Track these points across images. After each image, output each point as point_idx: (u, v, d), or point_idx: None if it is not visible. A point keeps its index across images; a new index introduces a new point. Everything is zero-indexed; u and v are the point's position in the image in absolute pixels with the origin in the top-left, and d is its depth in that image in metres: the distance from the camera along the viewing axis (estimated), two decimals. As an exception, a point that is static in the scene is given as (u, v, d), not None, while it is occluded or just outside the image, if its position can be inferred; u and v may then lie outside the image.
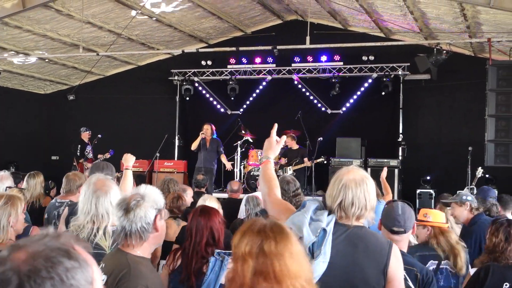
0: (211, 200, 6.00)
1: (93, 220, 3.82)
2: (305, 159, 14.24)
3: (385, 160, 14.20)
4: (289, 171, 14.02)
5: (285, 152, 14.42)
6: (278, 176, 4.45)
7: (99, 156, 14.10)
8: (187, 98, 17.05)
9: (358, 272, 3.09)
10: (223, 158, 14.06)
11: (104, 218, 3.84)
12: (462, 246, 4.68)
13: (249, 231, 2.34)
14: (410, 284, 3.71)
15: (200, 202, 5.99)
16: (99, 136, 14.48)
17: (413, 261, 3.99)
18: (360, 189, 3.15)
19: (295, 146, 14.40)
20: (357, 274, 3.09)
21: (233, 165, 15.14)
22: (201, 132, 13.74)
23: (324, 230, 3.05)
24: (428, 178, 14.17)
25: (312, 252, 3.00)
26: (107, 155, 13.94)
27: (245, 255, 2.27)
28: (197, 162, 13.78)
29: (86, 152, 14.06)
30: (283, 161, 14.35)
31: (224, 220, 4.62)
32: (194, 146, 13.83)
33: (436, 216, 4.80)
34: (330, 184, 3.28)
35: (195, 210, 4.57)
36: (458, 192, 6.50)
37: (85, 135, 14.18)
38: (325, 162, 14.34)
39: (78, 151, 14.23)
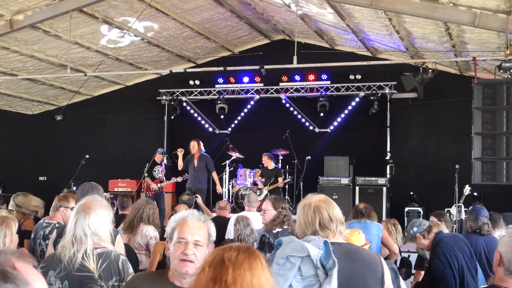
0: None
1: (73, 241, 3.78)
2: (280, 179, 14.21)
3: (373, 179, 14.27)
4: (264, 191, 14.02)
5: (262, 172, 14.51)
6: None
7: (172, 178, 13.78)
8: (175, 118, 17.07)
9: (360, 284, 3.30)
10: (215, 177, 13.78)
11: (82, 239, 3.76)
12: None
13: (216, 248, 2.38)
14: None
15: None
16: (87, 156, 14.38)
17: None
18: (330, 206, 3.46)
19: (270, 166, 14.38)
20: (359, 285, 3.31)
21: (221, 184, 15.13)
22: (179, 149, 13.65)
23: (325, 242, 3.18)
24: (417, 196, 14.20)
25: (323, 266, 3.11)
26: (179, 179, 13.67)
27: (204, 265, 2.26)
28: (187, 182, 13.63)
29: (155, 171, 13.85)
30: (260, 180, 14.47)
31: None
32: (180, 165, 13.72)
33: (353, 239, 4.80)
34: (299, 214, 3.52)
35: None
36: (406, 228, 6.55)
37: (159, 157, 13.91)
38: (291, 182, 14.60)
39: (146, 169, 14.02)
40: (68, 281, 3.66)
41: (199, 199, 11.16)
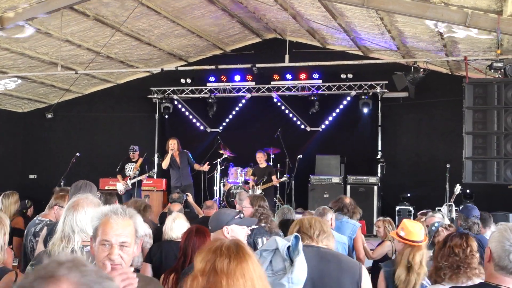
0: (180, 218, 5.91)
1: (61, 238, 3.76)
2: (273, 177, 14.10)
3: (365, 177, 14.30)
4: (258, 190, 13.77)
5: (253, 170, 14.45)
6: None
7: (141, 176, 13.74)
8: (167, 116, 17.04)
9: (333, 282, 3.36)
10: (197, 167, 13.47)
11: (70, 236, 3.74)
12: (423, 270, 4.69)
13: (206, 250, 2.32)
14: None
15: (169, 221, 5.88)
16: (78, 154, 14.34)
17: None
18: (314, 219, 3.72)
19: (263, 164, 14.24)
20: (331, 285, 3.36)
21: (212, 182, 15.11)
22: (170, 148, 13.29)
23: (296, 236, 3.22)
24: (408, 195, 14.25)
25: (290, 258, 3.15)
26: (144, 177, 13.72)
27: (196, 273, 2.23)
28: (171, 180, 13.43)
29: (126, 169, 13.85)
30: (252, 179, 14.31)
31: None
32: (165, 164, 13.35)
33: (409, 234, 4.82)
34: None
35: (190, 230, 4.53)
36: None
37: (132, 155, 13.94)
38: (288, 181, 14.28)
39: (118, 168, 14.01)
40: None
41: (190, 198, 11.11)
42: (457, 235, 4.30)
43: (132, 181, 13.56)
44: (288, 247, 3.16)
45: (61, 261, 1.32)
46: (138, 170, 13.71)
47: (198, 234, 4.39)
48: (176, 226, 5.53)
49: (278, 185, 14.38)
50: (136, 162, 13.85)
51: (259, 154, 14.14)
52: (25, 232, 5.96)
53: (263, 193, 13.45)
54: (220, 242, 2.34)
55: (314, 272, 3.23)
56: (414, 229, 4.89)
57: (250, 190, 13.68)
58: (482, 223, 6.95)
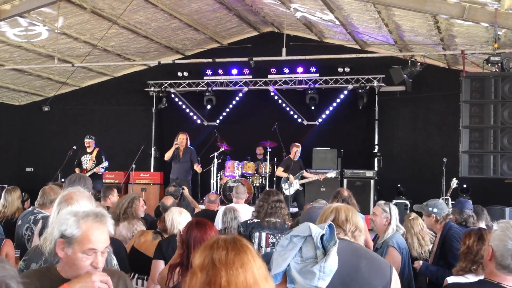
0: (185, 212, 5.87)
1: None
2: (309, 173, 13.69)
3: (361, 171, 14.31)
4: (295, 185, 13.22)
5: (286, 162, 13.54)
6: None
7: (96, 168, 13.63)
8: (163, 110, 17.02)
9: (361, 280, 3.16)
10: (195, 166, 13.31)
11: None
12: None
13: (204, 246, 2.31)
14: None
15: (176, 215, 5.84)
16: (74, 148, 14.32)
17: None
18: (352, 211, 3.42)
19: (295, 157, 13.49)
20: (360, 282, 3.15)
21: (209, 176, 15.10)
22: (175, 142, 13.30)
23: (330, 225, 3.06)
24: (405, 189, 14.25)
25: (324, 247, 3.00)
26: (99, 170, 13.57)
27: (195, 269, 2.22)
28: (171, 173, 13.44)
29: (82, 161, 13.75)
30: (281, 173, 13.39)
31: (218, 232, 4.59)
32: (167, 156, 13.41)
33: None
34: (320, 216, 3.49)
35: (191, 223, 4.51)
36: (428, 201, 6.53)
37: (86, 143, 13.83)
38: (338, 177, 13.95)
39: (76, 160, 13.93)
40: None
41: (186, 191, 11.10)
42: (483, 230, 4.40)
43: (89, 173, 13.19)
44: (322, 236, 3.02)
45: None
46: (94, 161, 13.61)
47: (199, 227, 4.38)
48: (183, 220, 5.48)
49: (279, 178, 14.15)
50: (91, 153, 13.75)
51: (294, 147, 13.43)
52: (20, 222, 5.93)
53: (301, 187, 13.38)
54: (217, 237, 2.33)
55: (344, 266, 3.06)
56: None
57: (286, 184, 13.26)
58: (475, 217, 6.98)
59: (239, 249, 2.25)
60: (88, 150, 13.79)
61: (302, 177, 13.47)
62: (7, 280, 1.32)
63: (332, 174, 13.63)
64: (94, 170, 13.48)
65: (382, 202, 6.42)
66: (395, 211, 6.13)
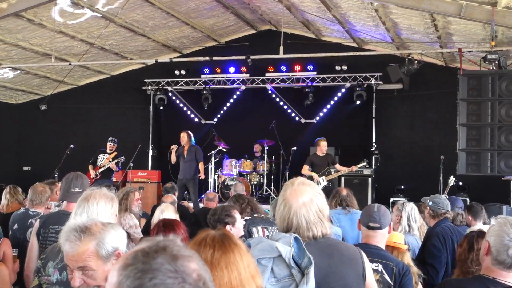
0: (168, 210, 5.87)
1: None
2: (338, 166, 12.75)
3: (359, 169, 14.29)
4: (323, 182, 12.37)
5: (312, 159, 12.78)
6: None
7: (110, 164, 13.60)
8: (161, 108, 17.02)
9: (338, 281, 3.07)
10: (201, 167, 13.20)
11: None
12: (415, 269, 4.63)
13: (192, 242, 2.29)
14: (387, 277, 3.87)
15: (157, 213, 5.86)
16: (72, 146, 14.30)
17: (389, 256, 4.14)
18: (311, 211, 3.11)
19: (322, 153, 12.79)
20: (338, 283, 3.07)
21: (207, 174, 15.07)
22: (171, 147, 13.30)
23: (296, 238, 2.91)
24: (402, 187, 14.27)
25: (298, 265, 2.85)
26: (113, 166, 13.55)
27: None
28: (179, 173, 13.28)
29: (98, 159, 13.77)
30: (306, 171, 12.50)
31: (186, 230, 4.55)
32: (172, 159, 13.29)
33: (392, 236, 4.76)
34: (278, 205, 3.21)
35: (157, 224, 4.49)
36: (433, 195, 6.59)
37: (108, 146, 13.85)
38: (367, 166, 13.25)
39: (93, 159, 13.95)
40: (66, 272, 3.61)
41: (186, 203, 11.09)
42: (480, 235, 4.19)
43: (101, 169, 13.41)
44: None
45: None
46: (110, 161, 13.61)
47: (167, 228, 4.36)
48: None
49: (271, 176, 14.25)
50: (110, 154, 13.75)
51: (322, 142, 12.68)
52: (16, 226, 5.92)
53: (330, 184, 12.34)
54: (206, 234, 2.31)
55: (318, 271, 2.88)
56: (396, 234, 4.87)
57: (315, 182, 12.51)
58: (472, 214, 6.97)
59: (226, 248, 2.23)
60: (108, 151, 13.76)
61: (329, 173, 12.54)
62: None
63: (363, 164, 12.95)
64: (109, 165, 13.47)
65: (402, 201, 6.52)
66: (408, 211, 6.12)
